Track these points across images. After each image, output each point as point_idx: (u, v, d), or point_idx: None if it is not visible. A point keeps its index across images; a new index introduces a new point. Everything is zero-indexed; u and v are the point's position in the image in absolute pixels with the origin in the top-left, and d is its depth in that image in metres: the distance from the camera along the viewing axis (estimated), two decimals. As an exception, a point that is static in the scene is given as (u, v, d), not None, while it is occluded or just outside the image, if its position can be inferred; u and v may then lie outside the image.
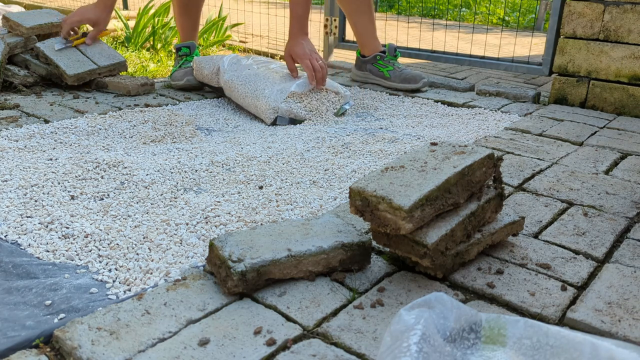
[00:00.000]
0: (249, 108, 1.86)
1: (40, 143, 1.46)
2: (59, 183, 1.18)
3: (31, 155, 1.36)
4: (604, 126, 1.79)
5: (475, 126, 1.76)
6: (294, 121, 1.79)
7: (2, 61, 1.94)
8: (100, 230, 0.99)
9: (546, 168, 1.37)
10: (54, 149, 1.43)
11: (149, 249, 0.94)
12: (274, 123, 1.78)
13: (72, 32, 2.11)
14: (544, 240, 1.00)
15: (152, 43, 3.12)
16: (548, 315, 0.78)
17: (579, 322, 0.76)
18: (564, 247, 0.98)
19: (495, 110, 1.97)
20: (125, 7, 4.43)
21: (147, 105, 1.90)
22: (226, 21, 3.41)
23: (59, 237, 0.97)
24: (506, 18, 6.01)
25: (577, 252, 0.96)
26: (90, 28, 2.14)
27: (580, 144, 1.59)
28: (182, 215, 1.06)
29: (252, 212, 1.09)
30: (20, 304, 0.79)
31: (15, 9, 3.31)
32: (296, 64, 1.88)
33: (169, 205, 1.12)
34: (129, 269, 0.88)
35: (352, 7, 2.26)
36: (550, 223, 1.07)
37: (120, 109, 1.85)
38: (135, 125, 1.66)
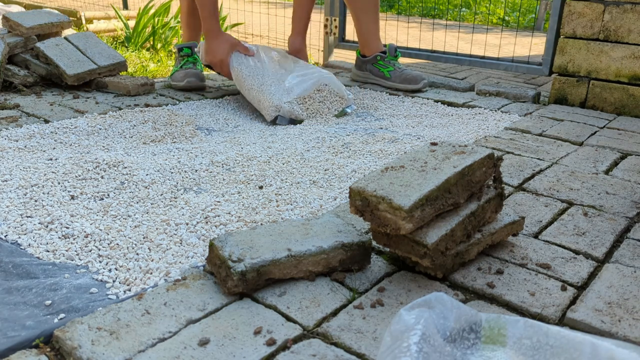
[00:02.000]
0: (253, 101, 1.86)
1: (40, 143, 1.46)
2: (59, 183, 1.18)
3: (31, 155, 1.36)
4: (604, 126, 1.79)
5: (475, 126, 1.76)
6: (294, 121, 1.79)
7: (2, 61, 1.94)
8: (100, 230, 0.99)
9: (546, 168, 1.37)
10: (54, 149, 1.43)
11: (149, 249, 0.94)
12: (273, 121, 1.78)
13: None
14: (544, 240, 1.00)
15: (152, 43, 3.12)
16: (548, 315, 0.78)
17: (579, 322, 0.76)
18: (564, 247, 0.98)
19: (495, 110, 1.97)
20: (125, 7, 4.43)
21: (147, 105, 1.90)
22: (226, 21, 3.41)
23: (59, 237, 0.97)
24: (506, 18, 6.01)
25: (577, 252, 0.96)
26: None
27: (580, 144, 1.59)
28: (182, 215, 1.06)
29: (252, 212, 1.09)
30: (20, 304, 0.79)
31: (15, 9, 3.31)
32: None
33: (169, 205, 1.12)
34: (129, 269, 0.88)
35: (358, 5, 2.26)
36: (550, 223, 1.07)
37: (120, 109, 1.85)
38: (135, 125, 1.66)
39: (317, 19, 3.74)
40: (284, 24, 3.74)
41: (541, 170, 1.35)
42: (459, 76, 2.73)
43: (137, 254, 0.93)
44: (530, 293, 0.83)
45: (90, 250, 0.93)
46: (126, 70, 2.19)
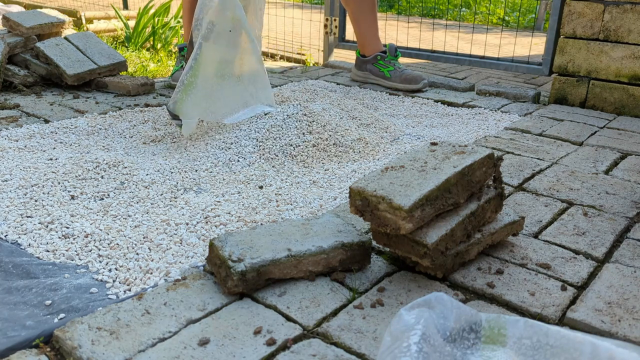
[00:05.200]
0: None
1: (40, 143, 1.46)
2: (59, 183, 1.18)
3: (31, 155, 1.36)
4: (604, 126, 1.79)
5: (475, 126, 1.76)
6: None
7: (2, 61, 1.94)
8: (100, 230, 0.99)
9: (546, 168, 1.37)
10: (54, 148, 1.43)
11: (149, 248, 0.94)
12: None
13: None
14: (544, 240, 1.00)
15: (152, 43, 3.12)
16: (548, 315, 0.78)
17: (579, 322, 0.76)
18: (564, 247, 0.98)
19: (495, 110, 1.97)
20: (125, 7, 4.43)
21: (147, 105, 1.90)
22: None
23: (59, 237, 0.97)
24: (506, 18, 6.01)
25: (577, 252, 0.96)
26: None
27: (580, 144, 1.59)
28: (182, 215, 1.06)
29: (252, 212, 1.09)
30: (20, 303, 0.79)
31: (15, 9, 3.31)
32: None
33: (169, 205, 1.12)
34: (129, 269, 0.88)
35: (356, 6, 2.25)
36: (550, 223, 1.07)
37: (120, 108, 1.85)
38: (135, 125, 1.66)
39: (317, 19, 3.75)
40: (283, 24, 3.74)
41: (541, 170, 1.35)
42: (459, 76, 2.73)
43: (137, 254, 0.93)
44: (530, 293, 0.83)
45: (90, 250, 0.93)
46: (126, 70, 2.19)
